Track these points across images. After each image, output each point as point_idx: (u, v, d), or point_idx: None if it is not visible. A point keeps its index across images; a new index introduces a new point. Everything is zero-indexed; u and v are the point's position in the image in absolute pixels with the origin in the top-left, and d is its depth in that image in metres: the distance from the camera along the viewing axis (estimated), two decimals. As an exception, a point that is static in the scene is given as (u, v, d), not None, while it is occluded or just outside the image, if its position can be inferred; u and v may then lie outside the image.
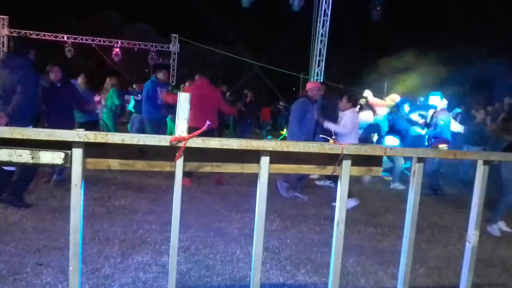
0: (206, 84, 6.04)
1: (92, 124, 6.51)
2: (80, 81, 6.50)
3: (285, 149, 1.62)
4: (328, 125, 5.21)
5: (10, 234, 3.42)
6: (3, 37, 18.34)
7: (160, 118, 6.99)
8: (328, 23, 10.98)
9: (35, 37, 17.52)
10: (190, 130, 1.54)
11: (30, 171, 4.21)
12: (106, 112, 8.27)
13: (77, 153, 1.46)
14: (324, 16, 10.93)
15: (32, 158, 1.44)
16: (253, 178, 1.72)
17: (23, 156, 1.44)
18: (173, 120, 6.67)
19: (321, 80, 11.51)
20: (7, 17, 17.40)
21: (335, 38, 11.46)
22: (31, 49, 4.23)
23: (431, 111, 7.09)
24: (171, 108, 6.84)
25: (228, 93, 9.83)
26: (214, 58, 27.85)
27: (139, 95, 7.93)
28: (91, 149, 1.50)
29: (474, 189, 1.92)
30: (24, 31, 17.31)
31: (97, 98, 8.32)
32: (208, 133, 5.21)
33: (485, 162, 1.89)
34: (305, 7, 10.99)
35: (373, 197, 5.94)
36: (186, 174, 5.71)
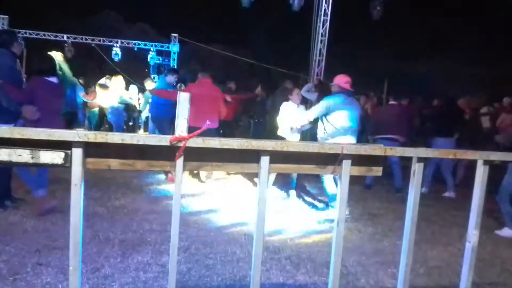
0: (209, 83, 5.91)
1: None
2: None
3: (285, 149, 1.62)
4: None
5: (10, 233, 3.43)
6: (3, 36, 18.24)
7: (170, 117, 6.90)
8: (328, 23, 10.94)
9: (35, 36, 17.48)
10: (190, 130, 1.54)
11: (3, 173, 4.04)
12: (112, 110, 8.36)
13: (77, 153, 1.46)
14: (324, 16, 10.90)
15: (32, 158, 1.44)
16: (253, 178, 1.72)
17: (23, 155, 1.43)
18: None
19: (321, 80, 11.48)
20: (7, 16, 17.34)
21: (335, 38, 11.40)
22: (14, 42, 3.97)
23: None
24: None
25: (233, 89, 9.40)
26: (214, 58, 27.83)
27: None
28: (91, 149, 1.50)
29: (474, 188, 1.92)
30: (24, 30, 17.26)
31: (81, 93, 8.39)
32: (208, 134, 5.13)
33: (485, 162, 1.89)
34: (305, 7, 10.96)
35: (373, 197, 5.94)
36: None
